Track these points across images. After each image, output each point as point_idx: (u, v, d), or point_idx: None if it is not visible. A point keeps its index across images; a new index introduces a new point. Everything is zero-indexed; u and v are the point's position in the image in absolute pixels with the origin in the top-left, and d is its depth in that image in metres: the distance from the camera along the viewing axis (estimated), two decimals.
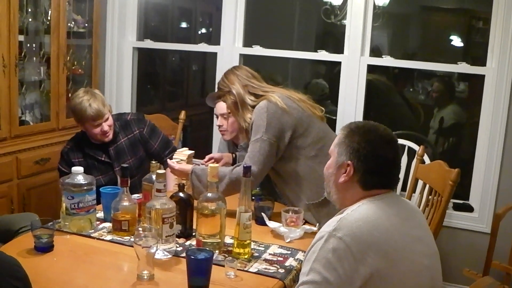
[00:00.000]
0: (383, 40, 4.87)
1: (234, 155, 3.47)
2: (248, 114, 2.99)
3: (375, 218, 1.82)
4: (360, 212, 1.84)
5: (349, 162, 1.93)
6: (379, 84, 4.70)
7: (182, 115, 4.41)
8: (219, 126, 3.55)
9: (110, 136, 3.53)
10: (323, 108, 3.11)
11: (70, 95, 4.42)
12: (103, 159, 3.57)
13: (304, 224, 2.76)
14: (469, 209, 4.04)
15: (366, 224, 1.78)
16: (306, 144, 2.91)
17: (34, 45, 4.29)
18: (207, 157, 3.39)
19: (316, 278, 1.74)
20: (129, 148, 3.62)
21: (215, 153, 3.53)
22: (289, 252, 2.47)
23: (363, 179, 1.92)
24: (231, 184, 2.84)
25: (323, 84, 4.84)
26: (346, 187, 1.96)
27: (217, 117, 3.57)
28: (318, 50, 4.45)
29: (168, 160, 3.13)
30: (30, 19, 4.17)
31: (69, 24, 4.40)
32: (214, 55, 4.75)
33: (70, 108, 3.60)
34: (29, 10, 4.14)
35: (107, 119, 3.49)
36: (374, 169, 1.92)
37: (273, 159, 2.90)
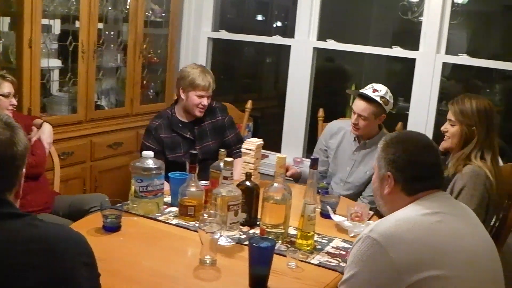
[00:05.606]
0: (461, 39, 4.75)
1: None
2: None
3: (417, 214, 1.83)
4: (404, 211, 1.87)
5: (388, 173, 1.96)
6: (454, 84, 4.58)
7: (249, 104, 4.44)
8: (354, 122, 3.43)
9: (202, 113, 3.68)
10: None
11: (145, 82, 4.54)
12: (188, 136, 3.69)
13: (369, 219, 2.73)
14: None
15: (406, 223, 1.79)
16: None
17: (112, 33, 4.42)
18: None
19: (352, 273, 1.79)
20: (212, 131, 3.75)
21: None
22: None
23: (406, 187, 1.94)
24: None
25: None
26: (392, 198, 1.98)
27: (354, 113, 3.42)
28: (393, 47, 4.38)
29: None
30: (109, 8, 4.29)
31: (146, 14, 4.49)
32: (288, 48, 4.75)
33: (182, 74, 3.68)
34: None
35: (210, 95, 3.66)
36: (414, 175, 1.93)
37: None
